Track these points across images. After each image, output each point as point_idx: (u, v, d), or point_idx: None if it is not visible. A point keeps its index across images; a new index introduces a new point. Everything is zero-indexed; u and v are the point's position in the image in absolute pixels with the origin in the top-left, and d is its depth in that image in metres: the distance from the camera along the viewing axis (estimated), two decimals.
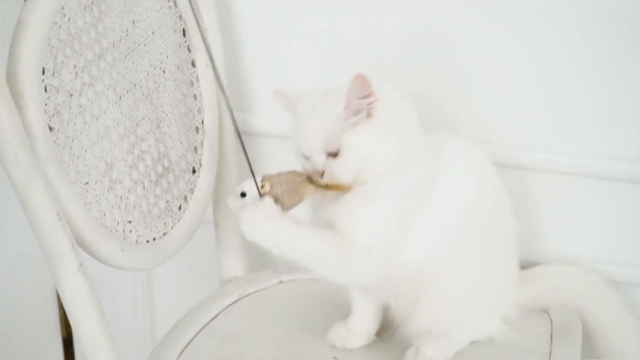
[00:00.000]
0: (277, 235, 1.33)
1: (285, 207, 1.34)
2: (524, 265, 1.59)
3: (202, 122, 1.60)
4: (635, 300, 1.65)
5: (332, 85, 1.39)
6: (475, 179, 1.45)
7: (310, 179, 1.35)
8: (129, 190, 1.43)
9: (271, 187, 1.34)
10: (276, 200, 1.33)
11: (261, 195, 1.33)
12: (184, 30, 1.57)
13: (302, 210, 1.38)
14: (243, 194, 1.35)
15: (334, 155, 1.34)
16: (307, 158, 1.37)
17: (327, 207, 1.37)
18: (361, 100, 1.32)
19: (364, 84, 1.32)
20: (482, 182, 1.46)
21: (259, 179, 1.34)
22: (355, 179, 1.34)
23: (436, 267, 1.41)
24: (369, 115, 1.33)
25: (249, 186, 1.35)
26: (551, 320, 1.57)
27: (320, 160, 1.35)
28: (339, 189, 1.34)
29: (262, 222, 1.32)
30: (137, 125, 1.46)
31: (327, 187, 1.34)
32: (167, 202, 1.52)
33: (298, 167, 1.39)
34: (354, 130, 1.33)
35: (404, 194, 1.35)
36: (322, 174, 1.35)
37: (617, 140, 1.61)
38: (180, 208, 1.54)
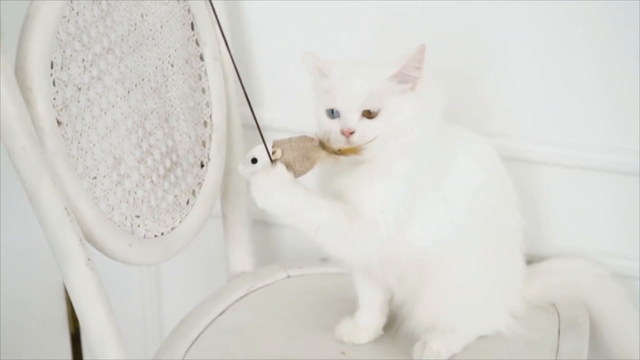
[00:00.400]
0: (289, 203, 1.32)
1: (297, 174, 1.32)
2: (531, 260, 1.60)
3: (210, 116, 1.60)
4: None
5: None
6: (483, 171, 1.45)
7: (322, 145, 1.32)
8: (137, 185, 1.43)
9: (282, 153, 1.32)
10: (288, 166, 1.31)
11: (272, 161, 1.32)
12: (192, 23, 1.57)
13: (310, 178, 1.37)
14: (254, 160, 1.33)
15: (368, 116, 1.33)
16: (335, 117, 1.35)
17: (338, 179, 1.37)
18: (414, 70, 1.33)
19: (423, 56, 1.32)
20: (490, 175, 1.46)
21: (269, 144, 1.33)
22: (375, 145, 1.33)
23: (440, 254, 1.41)
24: (412, 88, 1.34)
25: (260, 152, 1.33)
26: (559, 315, 1.56)
27: (353, 118, 1.33)
28: (352, 152, 1.32)
29: (274, 189, 1.31)
30: (145, 119, 1.45)
31: (339, 152, 1.32)
32: (175, 196, 1.51)
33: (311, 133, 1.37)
34: (399, 96, 1.33)
35: (415, 177, 1.36)
36: (351, 133, 1.33)
37: (621, 133, 1.61)
38: (188, 202, 1.54)
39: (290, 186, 1.31)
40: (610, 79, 1.59)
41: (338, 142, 1.33)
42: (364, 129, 1.33)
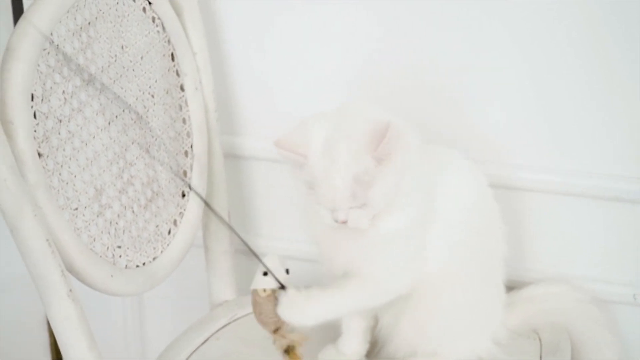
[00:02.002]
0: (320, 309, 1.38)
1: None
2: (513, 285, 1.60)
3: (191, 146, 1.60)
4: (622, 318, 1.66)
5: (326, 114, 1.36)
6: (471, 199, 1.45)
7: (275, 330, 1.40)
8: (118, 215, 1.43)
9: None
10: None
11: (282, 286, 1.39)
12: (172, 54, 1.58)
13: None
14: (265, 273, 1.41)
15: (358, 206, 1.32)
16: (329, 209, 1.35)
17: (340, 259, 1.40)
18: (387, 151, 1.28)
19: (399, 136, 1.28)
20: (478, 202, 1.47)
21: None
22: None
23: (431, 280, 1.41)
24: (388, 157, 1.30)
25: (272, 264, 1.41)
26: (540, 341, 1.57)
27: (343, 212, 1.32)
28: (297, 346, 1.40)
29: (302, 307, 1.38)
30: (126, 150, 1.46)
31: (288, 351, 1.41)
32: (157, 226, 1.52)
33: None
34: (378, 180, 1.30)
35: (412, 226, 1.37)
36: (341, 223, 1.33)
37: (603, 159, 1.62)
38: (170, 232, 1.54)
39: (312, 298, 1.38)
40: (593, 108, 1.60)
41: (331, 225, 1.34)
42: (356, 217, 1.32)
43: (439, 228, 1.40)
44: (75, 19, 1.36)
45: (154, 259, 1.50)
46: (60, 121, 1.33)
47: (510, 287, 1.58)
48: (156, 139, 1.49)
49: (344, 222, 1.32)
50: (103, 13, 1.42)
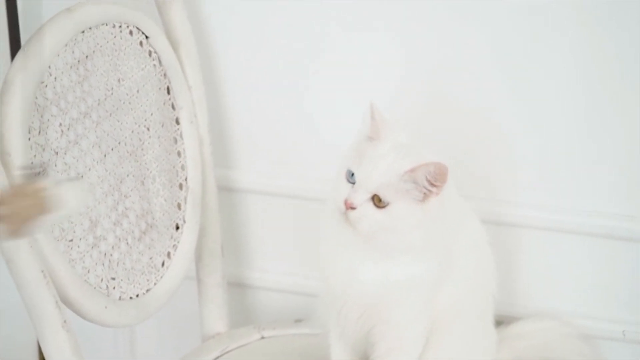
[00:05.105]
0: None
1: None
2: (502, 320, 1.60)
3: (186, 179, 1.61)
4: (611, 354, 1.67)
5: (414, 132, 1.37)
6: (474, 240, 1.45)
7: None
8: (112, 247, 1.44)
9: None
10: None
11: None
12: (168, 88, 1.59)
13: None
14: None
15: (376, 204, 1.31)
16: (350, 183, 1.32)
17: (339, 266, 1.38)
18: (428, 184, 1.29)
19: (442, 175, 1.28)
20: (478, 240, 1.46)
21: None
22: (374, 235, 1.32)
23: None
24: (424, 197, 1.30)
25: None
26: None
27: (362, 197, 1.30)
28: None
29: None
30: (121, 182, 1.47)
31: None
32: (151, 258, 1.52)
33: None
34: (407, 199, 1.30)
35: (431, 277, 1.36)
36: (353, 208, 1.31)
37: (595, 197, 1.64)
38: (163, 264, 1.55)
39: None
40: (584, 145, 1.62)
41: (339, 209, 1.32)
42: (366, 214, 1.30)
43: (452, 277, 1.40)
44: (73, 52, 1.37)
45: (147, 290, 1.50)
46: (56, 153, 1.33)
47: (499, 322, 1.58)
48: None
49: (352, 208, 1.30)
50: (100, 47, 1.44)
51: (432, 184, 1.29)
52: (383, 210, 1.30)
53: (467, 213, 1.44)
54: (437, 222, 1.32)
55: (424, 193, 1.29)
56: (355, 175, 1.31)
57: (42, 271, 1.26)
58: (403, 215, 1.30)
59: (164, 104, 1.59)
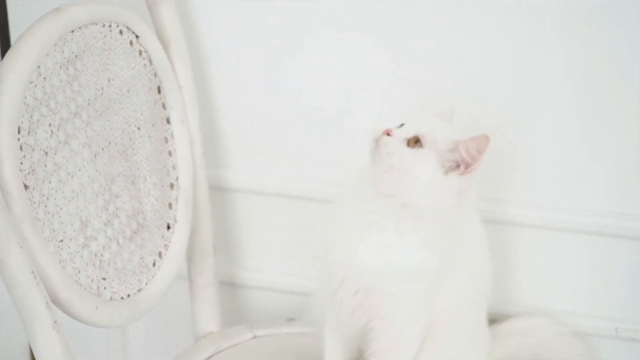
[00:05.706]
0: None
1: None
2: (496, 317, 1.60)
3: (177, 179, 1.61)
4: (604, 351, 1.68)
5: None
6: (475, 241, 1.45)
7: None
8: (103, 247, 1.43)
9: None
10: None
11: None
12: (158, 87, 1.59)
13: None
14: None
15: (410, 145, 1.31)
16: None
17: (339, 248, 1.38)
18: (467, 153, 1.31)
19: (483, 145, 1.30)
20: (478, 242, 1.46)
21: None
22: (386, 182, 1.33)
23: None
24: (448, 168, 1.32)
25: None
26: None
27: (400, 131, 1.32)
28: None
29: None
30: (112, 182, 1.47)
31: None
32: (142, 258, 1.52)
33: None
34: (436, 158, 1.31)
35: (429, 271, 1.36)
36: (385, 131, 1.32)
37: (589, 195, 1.64)
38: (154, 264, 1.55)
39: None
40: (579, 144, 1.62)
41: (375, 139, 1.32)
42: (396, 144, 1.31)
43: (453, 278, 1.40)
44: (62, 51, 1.37)
45: (138, 290, 1.50)
46: (46, 153, 1.33)
47: (492, 320, 1.58)
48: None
49: (388, 134, 1.31)
50: (90, 46, 1.43)
51: (473, 155, 1.31)
52: (412, 149, 1.31)
53: (472, 215, 1.44)
54: (447, 205, 1.32)
55: (456, 163, 1.31)
56: (406, 124, 1.33)
57: (33, 272, 1.25)
58: (425, 165, 1.30)
59: (155, 103, 1.58)
